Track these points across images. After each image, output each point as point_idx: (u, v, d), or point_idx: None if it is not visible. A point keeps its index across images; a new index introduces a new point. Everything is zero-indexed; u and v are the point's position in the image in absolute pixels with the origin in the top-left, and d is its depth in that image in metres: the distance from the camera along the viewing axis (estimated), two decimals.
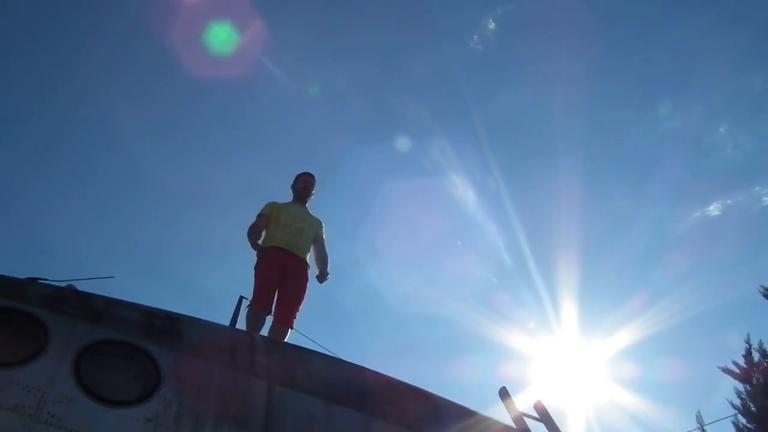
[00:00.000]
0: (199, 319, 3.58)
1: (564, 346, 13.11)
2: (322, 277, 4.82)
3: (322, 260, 4.91)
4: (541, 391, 13.02)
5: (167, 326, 3.35)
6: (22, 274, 3.78)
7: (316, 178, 5.07)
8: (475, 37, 18.44)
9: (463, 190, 17.90)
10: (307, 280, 4.67)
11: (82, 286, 4.27)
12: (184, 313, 3.47)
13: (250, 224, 4.76)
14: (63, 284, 4.29)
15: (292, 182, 5.13)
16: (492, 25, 18.39)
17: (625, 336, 12.54)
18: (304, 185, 5.06)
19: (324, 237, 4.98)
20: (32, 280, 4.16)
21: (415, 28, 18.43)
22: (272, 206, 4.89)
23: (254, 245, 4.65)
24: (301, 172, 5.08)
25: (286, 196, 5.04)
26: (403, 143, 17.87)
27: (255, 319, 4.36)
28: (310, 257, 4.87)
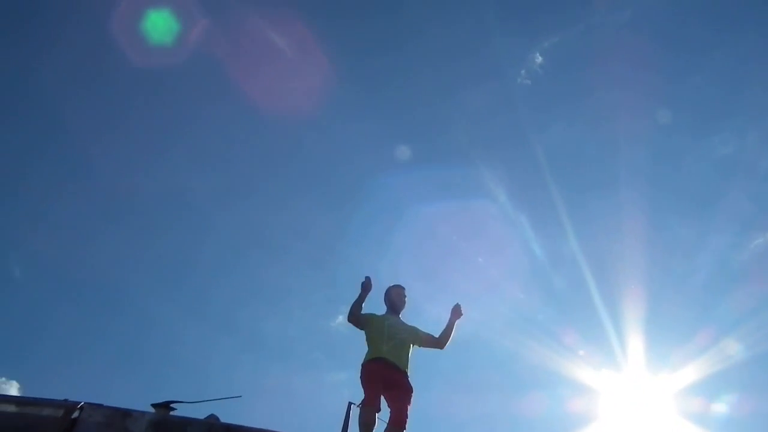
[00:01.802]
0: None
1: (630, 380, 13.11)
2: (458, 312, 5.33)
3: (442, 337, 5.32)
4: (608, 425, 13.07)
5: None
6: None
7: (405, 288, 5.50)
8: (523, 71, 18.69)
9: (522, 224, 18.08)
10: (411, 388, 5.03)
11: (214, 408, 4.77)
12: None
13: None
14: (193, 405, 4.78)
15: (384, 296, 5.52)
16: (539, 59, 18.62)
17: (692, 370, 12.46)
18: (398, 298, 5.42)
19: (427, 332, 5.39)
20: (168, 404, 4.67)
21: (461, 66, 18.89)
22: (372, 315, 5.28)
23: (357, 307, 5.12)
24: (391, 285, 5.50)
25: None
26: (456, 180, 18.26)
27: (368, 417, 4.74)
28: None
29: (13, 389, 16.45)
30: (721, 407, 12.98)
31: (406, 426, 4.86)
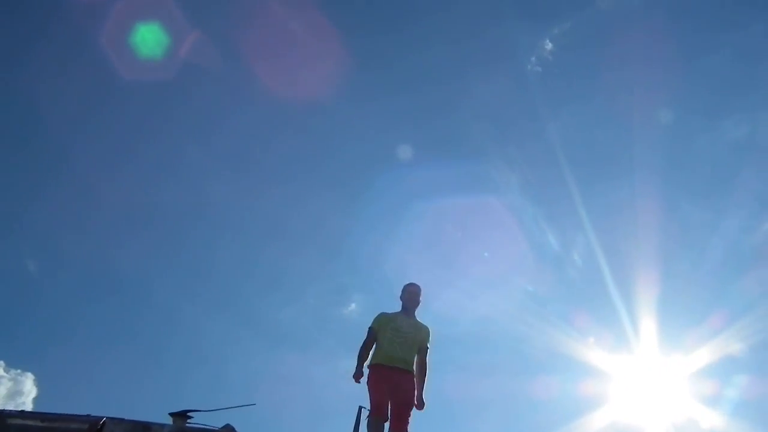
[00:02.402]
0: None
1: (643, 363, 13.21)
2: (419, 405, 5.10)
3: (421, 371, 5.23)
4: (620, 408, 13.23)
5: None
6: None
7: (421, 288, 5.57)
8: (533, 58, 18.69)
9: (534, 209, 18.20)
10: (414, 388, 5.17)
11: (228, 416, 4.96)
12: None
13: (363, 340, 5.30)
14: (209, 412, 4.98)
15: (401, 292, 5.62)
16: (549, 46, 18.61)
17: (705, 353, 12.51)
18: (410, 296, 5.50)
19: (429, 346, 5.44)
20: (185, 413, 4.87)
21: (472, 52, 18.88)
22: (380, 319, 5.39)
23: (359, 368, 5.07)
24: (408, 283, 5.59)
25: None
26: (468, 164, 18.37)
27: (376, 427, 4.94)
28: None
29: (29, 381, 16.96)
30: (734, 390, 13.04)
31: (408, 429, 5.03)
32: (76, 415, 4.21)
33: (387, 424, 5.01)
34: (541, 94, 18.41)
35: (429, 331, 5.47)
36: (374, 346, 5.32)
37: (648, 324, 13.20)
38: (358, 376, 5.08)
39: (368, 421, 4.99)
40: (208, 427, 4.54)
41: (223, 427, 4.48)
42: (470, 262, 17.70)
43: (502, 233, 17.21)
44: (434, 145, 19.58)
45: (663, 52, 16.41)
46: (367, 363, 5.24)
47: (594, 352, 14.04)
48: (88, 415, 4.19)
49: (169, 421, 4.79)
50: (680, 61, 17.67)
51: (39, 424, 4.22)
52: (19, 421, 4.22)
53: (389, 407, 5.09)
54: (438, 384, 5.52)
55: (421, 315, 5.60)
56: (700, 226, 17.99)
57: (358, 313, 17.96)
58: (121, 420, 4.12)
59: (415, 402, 5.16)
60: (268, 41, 15.82)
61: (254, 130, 18.52)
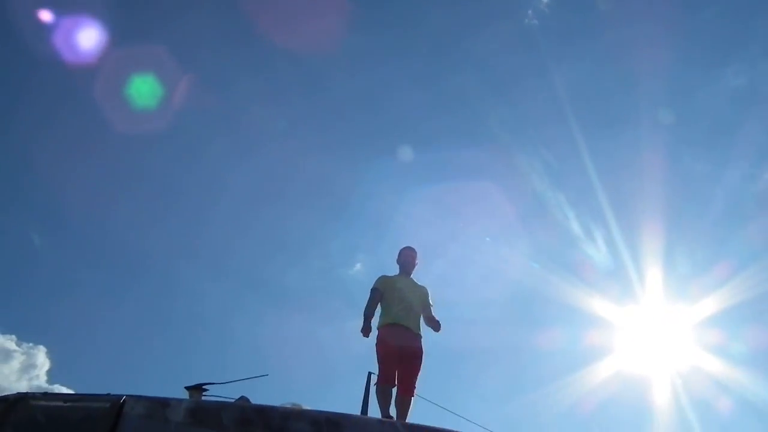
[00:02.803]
0: (353, 416, 4.33)
1: (648, 313, 13.43)
2: (437, 329, 5.58)
3: (432, 322, 5.60)
4: (625, 357, 13.49)
5: None
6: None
7: (417, 251, 5.77)
8: (530, 12, 18.43)
9: (538, 162, 18.26)
10: (422, 352, 5.40)
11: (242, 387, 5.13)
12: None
13: (367, 300, 5.50)
14: (223, 384, 5.15)
15: (397, 256, 5.83)
16: None
17: (711, 302, 12.67)
18: (406, 259, 5.78)
19: (431, 303, 5.66)
20: (200, 386, 5.05)
21: (467, 8, 18.57)
22: (383, 281, 5.61)
23: (366, 324, 5.35)
24: (404, 246, 5.82)
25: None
26: (467, 120, 18.36)
27: (385, 394, 5.18)
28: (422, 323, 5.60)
29: (41, 354, 17.43)
30: (739, 339, 13.25)
31: (415, 393, 5.27)
32: (97, 395, 4.37)
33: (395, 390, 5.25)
34: (538, 48, 18.17)
35: (428, 290, 5.75)
36: (381, 308, 5.53)
37: (654, 274, 13.37)
38: (366, 330, 5.29)
39: (377, 388, 5.19)
40: (224, 399, 4.72)
41: (239, 399, 4.66)
42: (475, 216, 17.87)
43: (507, 188, 17.32)
44: (432, 105, 19.47)
45: (662, 3, 16.06)
46: (377, 324, 5.45)
47: (600, 303, 14.27)
48: (108, 394, 4.34)
49: (185, 394, 4.99)
50: (680, 12, 17.32)
51: (62, 404, 4.39)
52: (42, 403, 4.39)
53: (398, 374, 5.31)
54: (445, 335, 5.81)
55: (426, 271, 5.93)
56: (703, 175, 17.97)
57: (363, 274, 18.29)
58: (140, 397, 4.27)
59: (434, 329, 5.51)
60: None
61: (261, 90, 18.40)
